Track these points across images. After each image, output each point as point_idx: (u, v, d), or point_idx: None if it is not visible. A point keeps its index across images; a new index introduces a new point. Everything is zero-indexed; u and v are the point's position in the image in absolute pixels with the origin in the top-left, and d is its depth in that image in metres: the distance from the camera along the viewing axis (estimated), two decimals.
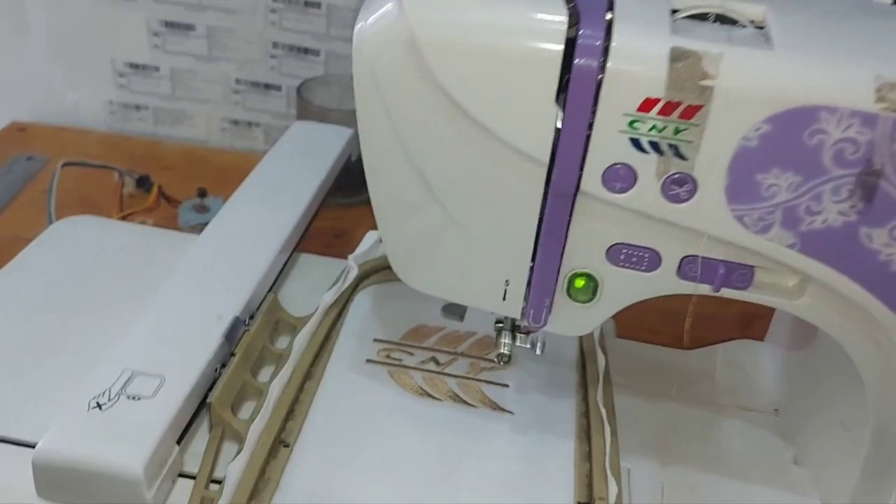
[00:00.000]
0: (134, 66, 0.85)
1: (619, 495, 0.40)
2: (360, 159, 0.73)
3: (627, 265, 0.38)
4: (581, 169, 0.35)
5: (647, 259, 0.37)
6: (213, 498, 0.39)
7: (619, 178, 0.35)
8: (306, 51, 0.82)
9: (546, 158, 0.35)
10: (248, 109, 0.86)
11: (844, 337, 0.38)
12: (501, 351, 0.48)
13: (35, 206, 0.73)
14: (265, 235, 0.54)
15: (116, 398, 0.41)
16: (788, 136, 0.33)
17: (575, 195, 0.36)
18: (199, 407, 0.44)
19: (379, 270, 0.56)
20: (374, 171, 0.39)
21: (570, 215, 0.36)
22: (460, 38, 0.33)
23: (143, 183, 0.76)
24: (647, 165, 0.34)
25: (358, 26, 0.36)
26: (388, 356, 0.50)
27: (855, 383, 0.40)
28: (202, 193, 0.73)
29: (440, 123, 0.35)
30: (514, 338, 0.46)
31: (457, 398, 0.47)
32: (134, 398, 0.41)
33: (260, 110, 0.86)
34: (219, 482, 0.41)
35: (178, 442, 0.41)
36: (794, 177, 0.33)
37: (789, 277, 0.37)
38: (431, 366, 0.49)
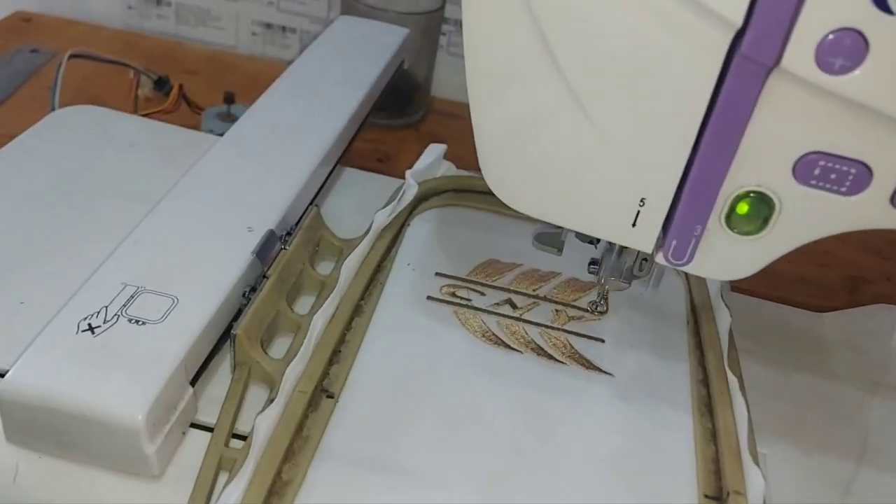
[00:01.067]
0: None
1: (766, 490, 0.31)
2: (408, 74, 0.64)
3: (822, 185, 0.27)
4: (787, 34, 0.24)
5: (851, 176, 0.27)
6: (234, 458, 0.29)
7: (841, 51, 0.24)
8: None
9: (739, 17, 0.24)
10: (283, 11, 0.76)
11: None
12: (596, 300, 0.38)
13: (37, 102, 0.65)
14: (305, 139, 0.44)
15: (114, 320, 0.31)
16: None
17: (768, 73, 0.25)
18: (221, 339, 0.34)
19: (442, 192, 0.46)
20: (478, 34, 0.28)
21: (754, 104, 0.26)
22: None
23: (162, 85, 0.66)
24: (887, 33, 0.23)
25: None
26: (453, 293, 0.40)
27: None
28: (229, 99, 0.63)
29: None
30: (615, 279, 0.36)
31: (540, 351, 0.37)
32: (137, 322, 0.31)
33: (296, 13, 0.76)
34: (242, 438, 0.31)
35: (192, 382, 0.32)
36: None
37: None
38: (507, 309, 0.39)
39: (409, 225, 0.44)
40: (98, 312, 0.31)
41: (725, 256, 0.30)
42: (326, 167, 0.45)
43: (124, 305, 0.32)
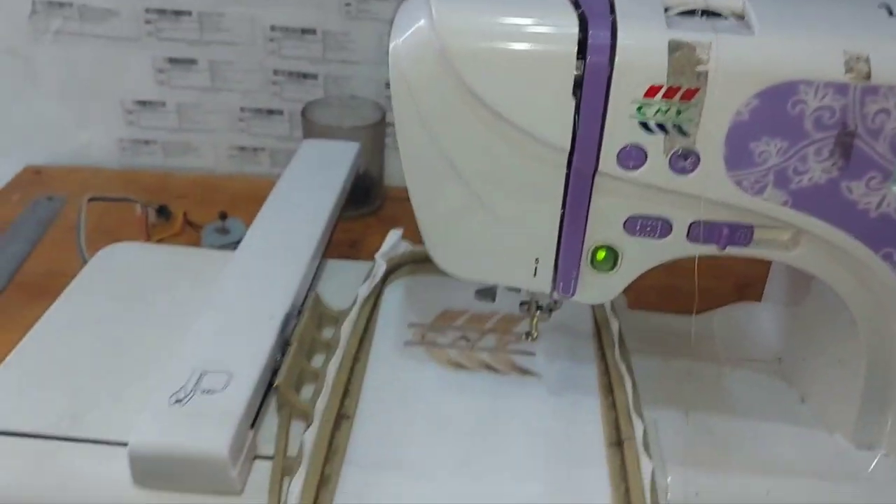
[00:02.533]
0: (141, 102, 0.90)
1: (645, 433, 0.46)
2: (364, 174, 0.80)
3: (643, 234, 0.43)
4: (598, 151, 0.40)
5: (659, 227, 0.43)
6: (291, 466, 0.44)
7: (632, 157, 0.40)
8: (305, 75, 0.87)
9: (567, 145, 0.40)
10: (253, 135, 0.91)
11: (836, 281, 0.44)
12: (529, 331, 0.53)
13: (63, 242, 0.77)
14: (297, 245, 0.59)
15: (192, 393, 0.45)
16: (774, 108, 0.38)
17: (594, 175, 0.41)
18: (265, 395, 0.48)
19: (405, 265, 0.61)
20: (412, 168, 0.44)
21: (590, 194, 0.42)
22: (487, 46, 0.39)
23: (163, 212, 0.81)
24: (655, 144, 0.39)
25: (392, 44, 0.41)
26: (422, 337, 0.55)
27: (848, 325, 0.46)
28: (223, 216, 0.78)
29: (470, 121, 0.41)
30: (539, 315, 0.51)
31: (489, 368, 0.53)
32: (208, 392, 0.46)
33: (264, 135, 0.91)
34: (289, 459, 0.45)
35: (252, 425, 0.46)
36: (782, 142, 0.39)
37: (784, 232, 0.43)
38: (462, 343, 0.55)
39: (383, 293, 0.59)
40: (180, 390, 0.46)
41: (596, 288, 0.45)
42: (317, 260, 0.60)
43: (197, 383, 0.46)
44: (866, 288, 0.43)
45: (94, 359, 0.52)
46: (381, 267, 0.59)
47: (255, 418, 0.47)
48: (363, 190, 0.82)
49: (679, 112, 0.38)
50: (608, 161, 0.40)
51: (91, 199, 0.80)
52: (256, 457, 0.46)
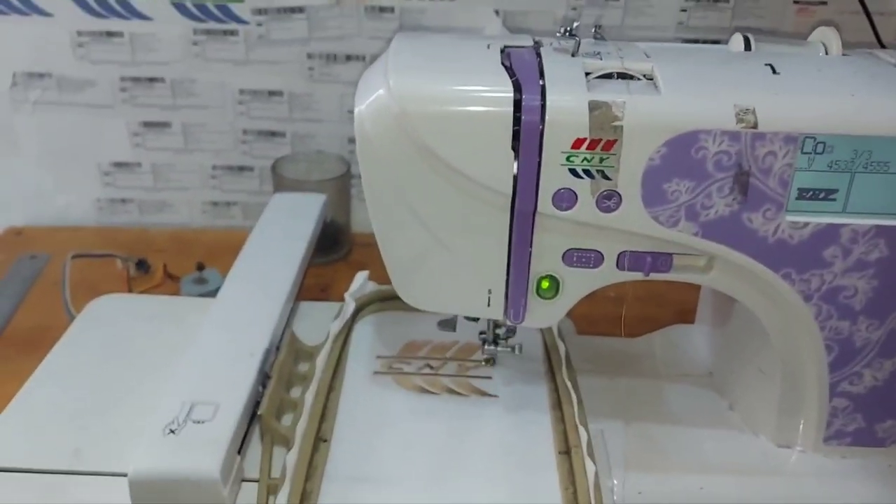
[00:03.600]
0: (118, 164, 0.95)
1: (589, 441, 0.52)
2: (332, 223, 0.86)
3: (579, 265, 0.50)
4: (536, 195, 0.47)
5: (593, 258, 0.49)
6: (276, 486, 0.49)
7: (565, 199, 0.47)
8: (273, 134, 0.93)
9: (509, 190, 0.47)
10: (226, 191, 0.97)
11: (749, 299, 0.51)
12: (487, 357, 0.59)
13: (47, 298, 0.81)
14: (273, 288, 0.65)
15: (184, 424, 0.51)
16: (680, 154, 0.45)
17: (534, 215, 0.48)
18: (249, 423, 0.54)
19: (371, 303, 0.67)
20: (378, 215, 0.50)
21: (532, 232, 0.48)
22: (438, 109, 0.46)
23: (142, 265, 0.86)
24: (583, 187, 0.46)
25: (357, 109, 0.47)
26: (390, 367, 0.61)
27: (765, 339, 0.53)
28: (200, 267, 0.83)
29: (427, 173, 0.47)
30: (495, 343, 0.58)
31: (451, 391, 0.59)
32: (198, 422, 0.51)
33: (236, 190, 0.97)
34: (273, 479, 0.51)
35: (239, 452, 0.51)
36: (689, 182, 0.46)
37: (699, 259, 0.49)
38: (427, 370, 0.61)
39: (353, 329, 0.65)
40: (172, 421, 0.51)
41: (542, 313, 0.52)
42: (291, 302, 0.66)
43: (188, 414, 0.51)
44: (774, 305, 0.50)
45: (92, 400, 0.57)
46: (350, 305, 0.65)
47: (241, 445, 0.52)
48: (331, 237, 0.88)
49: (602, 160, 0.45)
50: (545, 203, 0.47)
51: (75, 256, 0.85)
52: (244, 480, 0.51)
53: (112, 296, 0.69)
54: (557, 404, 0.57)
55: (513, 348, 0.59)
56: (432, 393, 0.58)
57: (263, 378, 0.56)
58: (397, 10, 0.86)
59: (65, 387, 0.58)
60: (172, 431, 0.50)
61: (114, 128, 0.93)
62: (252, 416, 0.54)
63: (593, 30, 0.51)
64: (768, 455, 0.55)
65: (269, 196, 0.83)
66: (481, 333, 0.59)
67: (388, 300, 0.67)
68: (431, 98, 0.46)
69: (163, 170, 0.96)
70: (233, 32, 0.88)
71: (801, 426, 0.54)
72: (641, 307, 0.74)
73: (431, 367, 0.61)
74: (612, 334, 0.67)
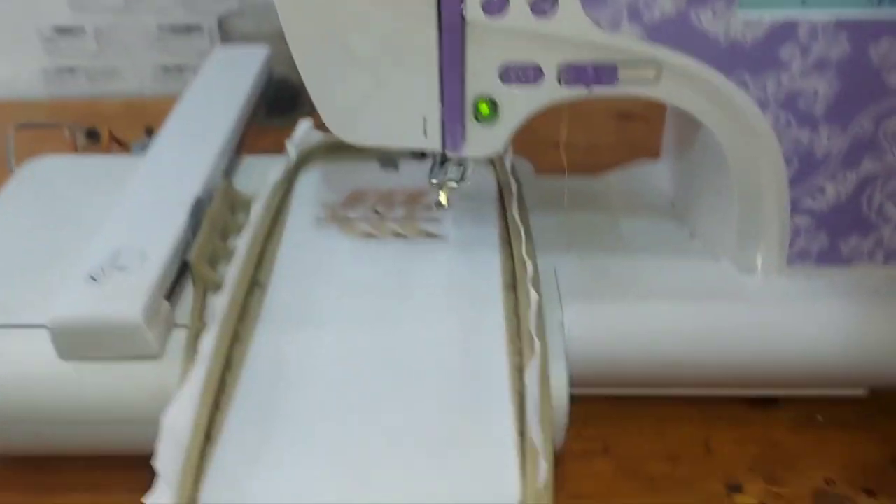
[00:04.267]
0: (60, 29, 0.90)
1: (536, 275, 0.49)
2: (286, 82, 0.81)
3: (518, 82, 0.45)
4: (462, 1, 0.42)
5: (532, 73, 0.45)
6: (205, 325, 0.47)
7: (495, 3, 0.42)
8: None
9: None
10: (174, 54, 0.92)
11: (701, 112, 0.47)
12: (437, 201, 0.56)
13: None
14: (206, 141, 0.62)
15: (108, 272, 0.48)
16: None
17: (463, 27, 0.43)
18: (181, 273, 0.51)
19: (316, 152, 0.63)
20: (301, 49, 0.46)
21: (463, 47, 0.44)
22: None
23: (93, 135, 0.82)
24: None
25: None
26: (334, 214, 0.58)
27: (724, 158, 0.49)
28: (150, 132, 0.79)
29: None
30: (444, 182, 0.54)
31: (398, 234, 0.55)
32: (122, 269, 0.48)
33: (185, 53, 0.92)
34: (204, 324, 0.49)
35: (167, 298, 0.49)
36: None
37: (647, 69, 0.45)
38: (373, 216, 0.57)
39: (297, 179, 0.62)
40: (96, 269, 0.48)
41: (481, 140, 0.48)
42: (226, 155, 0.62)
43: (112, 260, 0.49)
44: (729, 116, 0.46)
45: (19, 256, 0.54)
46: (292, 153, 0.61)
47: (171, 291, 0.49)
48: (289, 98, 0.84)
49: None
50: (474, 9, 0.42)
51: (19, 126, 0.81)
52: (175, 325, 0.49)
53: (50, 156, 0.66)
54: (507, 242, 0.54)
55: (458, 182, 0.55)
56: (378, 237, 0.55)
57: (195, 226, 0.53)
58: None
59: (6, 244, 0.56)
60: (94, 279, 0.48)
61: None
62: (183, 266, 0.51)
63: None
64: (730, 280, 0.52)
65: None
66: (432, 180, 0.56)
67: (335, 150, 0.64)
68: None
69: (107, 34, 0.90)
70: None
71: (764, 248, 0.51)
72: (612, 153, 0.71)
73: (378, 213, 0.57)
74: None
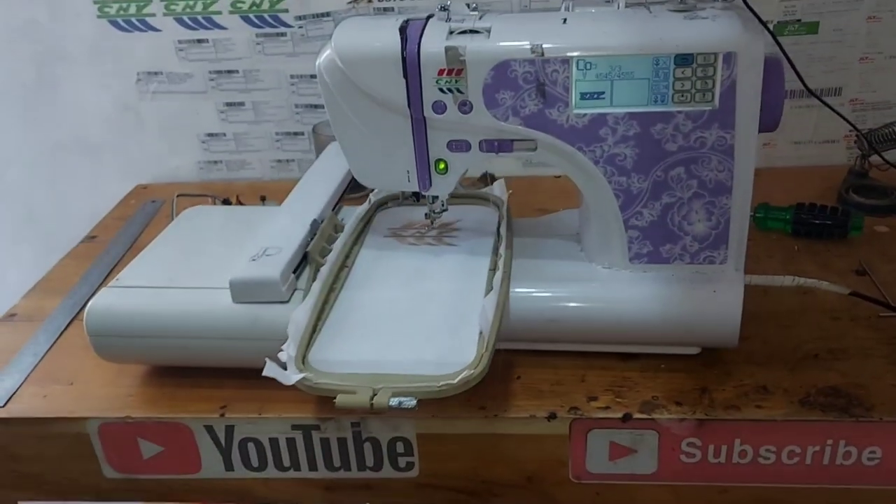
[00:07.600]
0: (210, 134, 1.33)
1: (506, 266, 0.84)
2: None
3: (457, 151, 0.81)
4: (421, 105, 0.78)
5: (464, 145, 0.81)
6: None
7: (439, 107, 0.78)
8: (315, 106, 1.28)
9: (405, 103, 0.79)
10: (286, 151, 1.32)
11: (563, 167, 0.80)
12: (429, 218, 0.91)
13: (163, 226, 1.15)
14: (321, 193, 0.99)
15: (261, 256, 0.84)
16: (503, 75, 0.76)
17: (424, 121, 0.79)
18: (303, 260, 0.86)
19: (386, 202, 1.03)
20: (340, 130, 0.83)
21: (426, 131, 0.80)
22: (360, 55, 0.78)
23: (227, 202, 1.21)
24: (448, 99, 0.78)
25: (316, 63, 0.80)
26: (393, 233, 0.97)
27: (585, 200, 0.82)
28: (263, 199, 1.19)
29: (357, 97, 0.80)
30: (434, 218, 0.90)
31: (430, 244, 0.94)
32: (269, 255, 0.84)
33: (293, 150, 1.32)
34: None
35: (295, 272, 0.84)
36: (511, 92, 0.77)
37: (528, 142, 0.79)
38: (417, 234, 0.96)
39: (375, 216, 1.01)
40: (255, 255, 0.83)
41: (440, 184, 0.84)
42: (332, 203, 0.98)
43: (263, 252, 0.84)
44: (579, 169, 0.78)
45: (194, 255, 0.92)
46: (371, 200, 1.01)
47: (297, 269, 0.86)
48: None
49: (456, 81, 0.77)
50: (428, 110, 0.79)
51: (179, 195, 1.22)
52: (296, 289, 0.84)
53: (199, 206, 1.05)
54: (495, 249, 0.89)
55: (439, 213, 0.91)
56: (417, 246, 0.93)
57: (312, 235, 0.90)
58: (396, 9, 1.20)
59: (176, 252, 0.93)
60: (254, 259, 0.82)
61: (206, 108, 1.30)
62: (304, 256, 0.86)
63: (466, 5, 0.82)
64: (595, 273, 0.81)
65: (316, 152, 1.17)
66: (426, 216, 0.91)
67: (397, 200, 1.03)
68: (355, 48, 0.78)
69: (241, 137, 1.32)
70: (283, 34, 1.23)
71: (613, 253, 0.82)
72: (555, 204, 1.05)
73: (420, 233, 0.96)
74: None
